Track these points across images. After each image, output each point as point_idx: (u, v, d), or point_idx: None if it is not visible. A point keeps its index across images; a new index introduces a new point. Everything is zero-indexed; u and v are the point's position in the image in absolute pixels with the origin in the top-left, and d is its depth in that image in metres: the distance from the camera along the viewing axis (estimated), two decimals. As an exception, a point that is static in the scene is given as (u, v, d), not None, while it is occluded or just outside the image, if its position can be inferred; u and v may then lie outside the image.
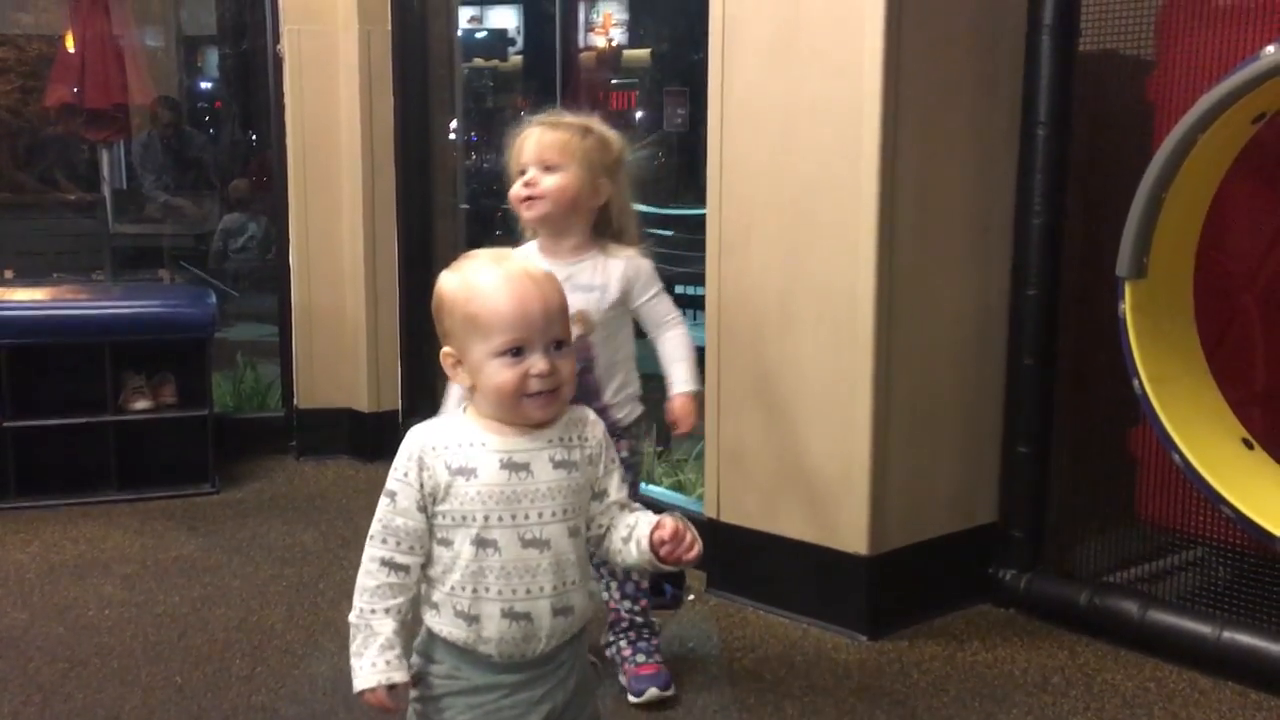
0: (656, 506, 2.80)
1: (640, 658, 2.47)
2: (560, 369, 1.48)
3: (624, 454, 2.38)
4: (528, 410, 1.48)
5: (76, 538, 3.46)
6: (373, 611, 1.49)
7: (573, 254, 2.36)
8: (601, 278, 2.35)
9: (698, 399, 2.40)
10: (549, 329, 1.47)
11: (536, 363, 1.46)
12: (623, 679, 2.47)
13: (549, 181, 2.29)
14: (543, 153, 2.30)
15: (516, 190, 2.32)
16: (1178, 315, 2.64)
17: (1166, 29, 2.68)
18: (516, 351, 1.46)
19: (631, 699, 2.42)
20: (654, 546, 1.50)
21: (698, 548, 1.51)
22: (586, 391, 2.31)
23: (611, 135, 2.38)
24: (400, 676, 1.49)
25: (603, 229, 2.38)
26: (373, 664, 1.48)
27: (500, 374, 1.46)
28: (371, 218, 4.17)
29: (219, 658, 2.65)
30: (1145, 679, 2.56)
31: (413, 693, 1.54)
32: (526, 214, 2.33)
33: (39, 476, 3.76)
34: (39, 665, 2.61)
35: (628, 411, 2.44)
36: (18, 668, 2.59)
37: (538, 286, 1.48)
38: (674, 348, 2.40)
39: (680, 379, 2.37)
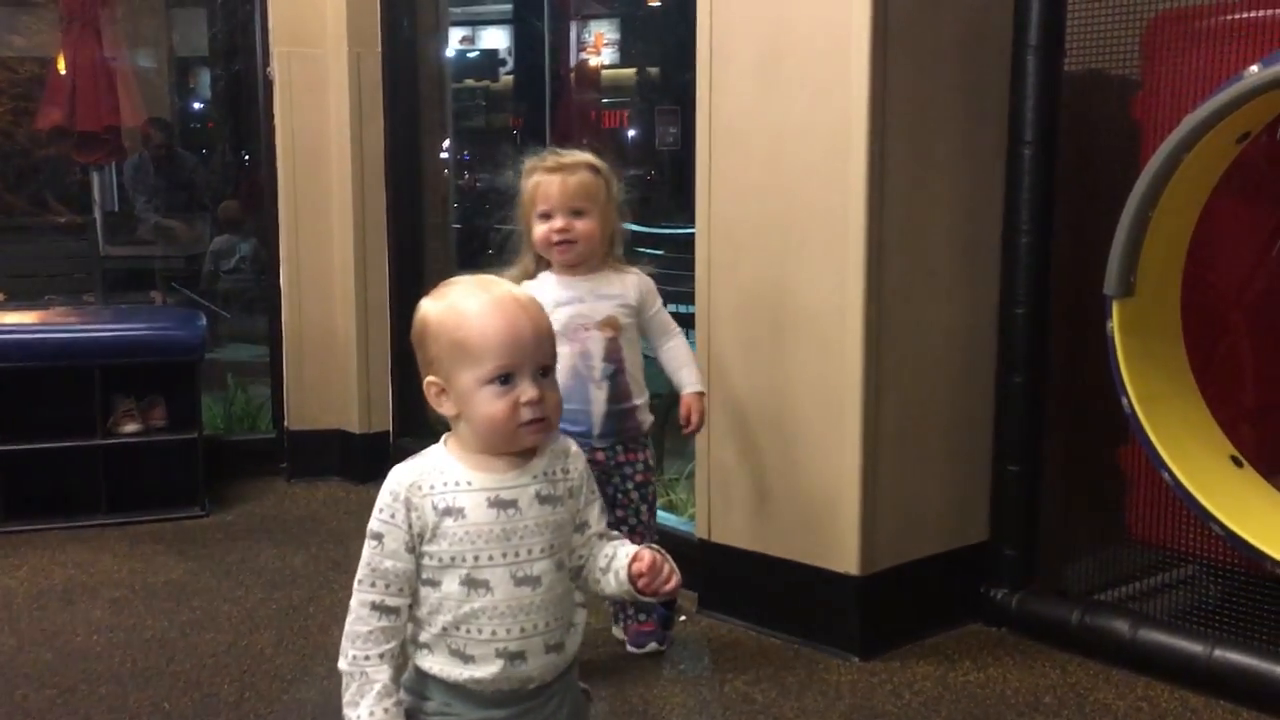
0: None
1: (642, 616, 2.74)
2: (548, 396, 1.46)
3: (640, 464, 2.66)
4: (521, 437, 1.46)
5: (65, 562, 3.44)
6: (366, 658, 1.46)
7: (589, 271, 2.63)
8: (620, 288, 2.63)
9: (704, 399, 2.68)
10: (538, 354, 1.45)
11: (526, 390, 1.43)
12: (622, 634, 2.77)
13: (581, 227, 2.56)
14: (571, 201, 2.55)
15: (546, 234, 2.56)
16: (1166, 333, 2.65)
17: (1152, 49, 2.70)
18: (505, 379, 1.44)
19: (633, 650, 2.73)
20: (633, 579, 1.49)
21: (675, 579, 1.50)
22: (618, 392, 2.62)
23: (608, 167, 2.64)
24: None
25: (606, 249, 2.65)
26: (370, 713, 1.45)
27: (491, 404, 1.43)
28: (362, 238, 4.18)
29: (208, 683, 2.63)
30: (1137, 698, 2.56)
31: None
32: (561, 256, 2.59)
33: (28, 500, 3.74)
34: (26, 692, 2.59)
35: (646, 416, 2.68)
36: (5, 695, 2.58)
37: (526, 311, 1.46)
38: (681, 354, 2.68)
39: (690, 380, 2.66)
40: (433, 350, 1.48)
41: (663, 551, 1.51)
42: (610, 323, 2.59)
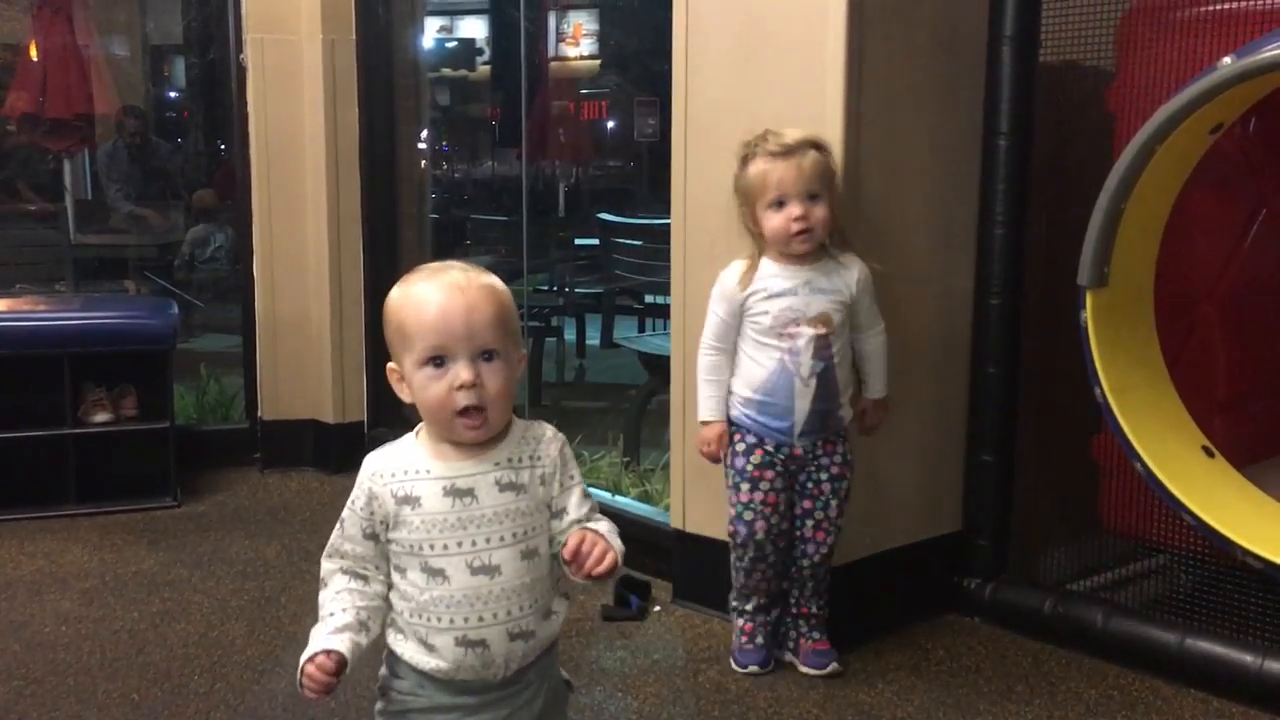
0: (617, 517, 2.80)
1: (815, 634, 2.65)
2: (486, 381, 1.44)
3: (839, 456, 2.56)
4: (458, 430, 1.45)
5: (34, 552, 3.41)
6: (330, 614, 1.49)
7: (808, 260, 2.49)
8: (839, 281, 2.49)
9: (887, 403, 2.64)
10: (473, 337, 1.44)
11: (460, 373, 1.43)
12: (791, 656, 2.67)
13: (819, 212, 2.42)
14: (809, 184, 2.41)
15: (784, 224, 2.41)
16: (1139, 324, 2.66)
17: (1126, 40, 2.71)
18: (440, 362, 1.44)
19: (811, 671, 2.61)
20: (565, 563, 1.49)
21: (608, 560, 1.46)
22: (827, 390, 2.49)
23: (827, 142, 2.49)
24: (337, 644, 1.45)
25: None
26: (317, 640, 1.47)
27: (428, 388, 1.45)
28: (336, 227, 4.15)
29: (178, 674, 2.61)
30: (1108, 687, 2.57)
31: (377, 704, 1.55)
32: (800, 246, 2.44)
33: (-4, 490, 3.70)
34: (-7, 683, 2.57)
35: (848, 411, 2.58)
36: (-29, 686, 2.55)
37: (464, 295, 1.45)
38: (877, 352, 2.58)
39: (877, 386, 2.60)
40: (388, 335, 1.51)
41: (594, 534, 1.49)
42: (823, 319, 2.45)
